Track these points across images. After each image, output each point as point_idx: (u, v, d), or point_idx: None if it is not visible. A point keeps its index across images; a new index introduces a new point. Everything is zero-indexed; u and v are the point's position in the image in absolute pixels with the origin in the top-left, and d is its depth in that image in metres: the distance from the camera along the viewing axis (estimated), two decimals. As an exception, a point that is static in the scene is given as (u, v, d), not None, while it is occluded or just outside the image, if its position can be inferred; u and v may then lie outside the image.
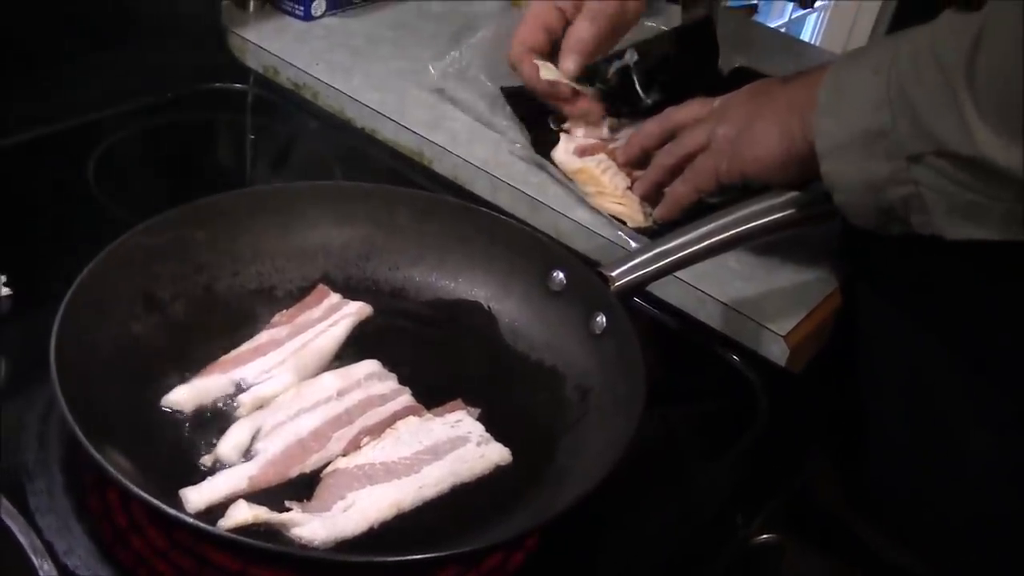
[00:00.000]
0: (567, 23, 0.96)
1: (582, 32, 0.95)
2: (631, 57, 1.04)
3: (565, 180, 0.95)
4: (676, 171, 0.87)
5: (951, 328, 0.77)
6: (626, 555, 0.67)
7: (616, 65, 1.04)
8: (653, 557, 0.68)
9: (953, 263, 0.73)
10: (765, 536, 0.75)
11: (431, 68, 1.06)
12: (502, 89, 1.02)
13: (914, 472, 0.82)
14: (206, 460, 0.63)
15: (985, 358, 0.76)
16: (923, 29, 0.67)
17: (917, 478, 0.82)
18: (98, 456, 0.55)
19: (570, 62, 0.96)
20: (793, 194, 0.79)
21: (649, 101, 1.04)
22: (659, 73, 1.06)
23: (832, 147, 0.71)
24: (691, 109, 0.89)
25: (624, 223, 0.91)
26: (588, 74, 1.02)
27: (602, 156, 0.95)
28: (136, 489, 0.54)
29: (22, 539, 0.48)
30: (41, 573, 0.47)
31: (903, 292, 0.81)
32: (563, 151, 0.97)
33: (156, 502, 0.53)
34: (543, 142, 0.99)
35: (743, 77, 1.14)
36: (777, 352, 0.82)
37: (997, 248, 0.66)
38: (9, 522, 0.48)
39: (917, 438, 0.81)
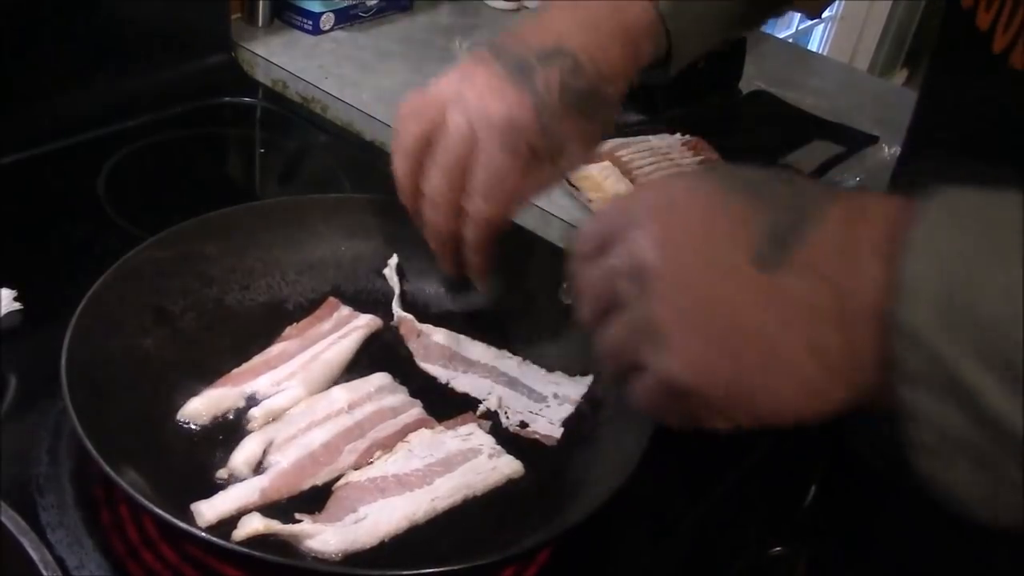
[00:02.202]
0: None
1: (500, 166, 0.64)
2: None
3: (570, 188, 0.95)
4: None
5: None
6: (639, 569, 0.67)
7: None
8: (666, 571, 0.68)
9: None
10: (778, 549, 0.75)
11: (457, 43, 1.06)
12: None
13: None
14: (221, 473, 0.63)
15: None
16: None
17: None
18: (109, 470, 0.55)
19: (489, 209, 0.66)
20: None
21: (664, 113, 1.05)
22: (683, 84, 1.07)
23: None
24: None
25: None
26: None
27: (606, 163, 0.96)
28: (147, 503, 0.54)
29: (33, 554, 0.48)
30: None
31: None
32: (569, 160, 0.97)
33: (168, 516, 0.53)
34: None
35: (758, 101, 1.15)
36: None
37: None
38: (20, 537, 0.48)
39: None
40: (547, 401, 0.72)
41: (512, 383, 0.74)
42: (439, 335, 0.77)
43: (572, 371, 0.74)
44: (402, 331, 0.77)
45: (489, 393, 0.72)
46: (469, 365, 0.75)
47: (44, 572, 0.47)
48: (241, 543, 0.56)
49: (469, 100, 0.64)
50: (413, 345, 0.76)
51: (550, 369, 0.75)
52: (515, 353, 0.76)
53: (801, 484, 0.78)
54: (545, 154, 0.66)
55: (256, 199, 0.97)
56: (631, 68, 0.68)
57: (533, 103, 0.64)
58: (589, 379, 0.73)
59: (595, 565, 0.66)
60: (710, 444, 0.77)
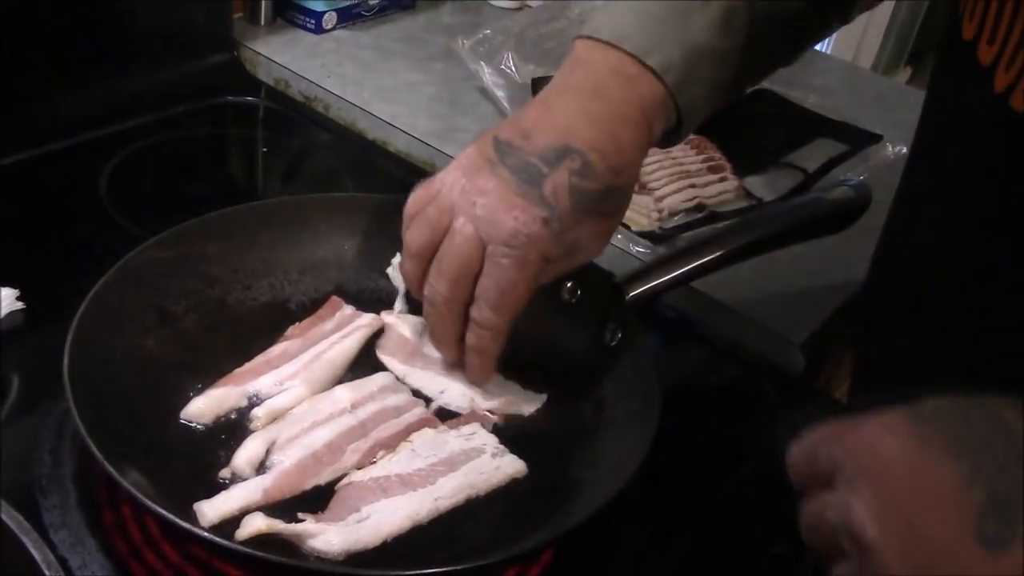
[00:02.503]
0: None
1: (511, 279, 0.65)
2: None
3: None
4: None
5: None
6: (641, 569, 0.67)
7: None
8: (668, 571, 0.67)
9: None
10: (781, 549, 0.74)
11: (460, 41, 1.06)
12: (533, 81, 1.01)
13: None
14: (224, 473, 0.62)
15: None
16: None
17: None
18: (112, 470, 0.55)
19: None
20: (808, 201, 0.78)
21: None
22: None
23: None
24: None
25: (628, 227, 0.91)
26: None
27: None
28: (150, 503, 0.54)
29: (36, 554, 0.47)
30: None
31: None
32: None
33: (170, 516, 0.53)
34: None
35: (761, 100, 1.15)
36: (794, 362, 0.81)
37: None
38: (23, 537, 0.48)
39: None
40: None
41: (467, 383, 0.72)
42: (407, 328, 0.75)
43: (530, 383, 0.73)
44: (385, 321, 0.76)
45: (442, 392, 0.72)
46: (428, 362, 0.74)
47: (47, 572, 0.47)
48: (244, 543, 0.56)
49: (477, 210, 0.63)
50: (381, 336, 0.76)
51: (517, 371, 0.73)
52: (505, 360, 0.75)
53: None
54: (557, 258, 0.65)
55: (258, 199, 0.97)
56: (643, 150, 0.66)
57: (544, 216, 0.62)
58: (543, 397, 0.72)
59: (597, 565, 0.66)
60: (713, 445, 0.78)
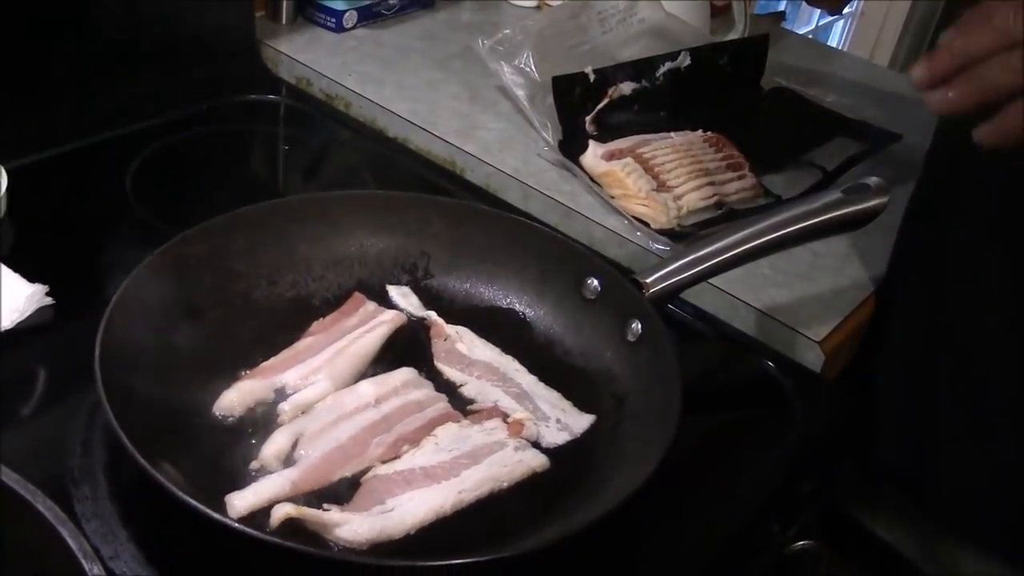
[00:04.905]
0: None
1: None
2: (683, 60, 1.05)
3: (590, 183, 0.96)
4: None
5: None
6: (663, 562, 0.67)
7: (667, 66, 1.05)
8: (690, 564, 0.68)
9: None
10: (802, 543, 0.75)
11: (480, 42, 1.07)
12: (553, 80, 1.02)
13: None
14: (253, 465, 0.63)
15: None
16: None
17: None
18: (144, 462, 0.56)
19: None
20: (828, 199, 0.79)
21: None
22: (705, 82, 1.07)
23: None
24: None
25: (647, 224, 0.91)
26: (640, 70, 1.02)
27: (628, 160, 0.96)
28: (181, 494, 0.55)
29: (72, 543, 0.48)
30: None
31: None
32: (591, 155, 0.98)
33: (202, 507, 0.54)
34: (571, 144, 0.99)
35: (780, 98, 1.15)
36: (812, 358, 0.82)
37: None
38: (59, 527, 0.49)
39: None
40: (548, 423, 0.71)
41: (520, 397, 0.73)
42: (461, 343, 0.77)
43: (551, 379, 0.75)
44: (432, 332, 0.77)
45: (496, 401, 0.73)
46: (484, 371, 0.75)
47: (83, 562, 0.48)
48: (273, 532, 0.57)
49: None
50: (436, 345, 0.77)
51: (559, 388, 0.74)
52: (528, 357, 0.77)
53: (824, 479, 0.79)
54: None
55: (280, 195, 0.98)
56: None
57: None
58: (592, 418, 0.72)
59: (618, 559, 0.66)
60: (733, 440, 0.78)
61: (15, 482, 0.51)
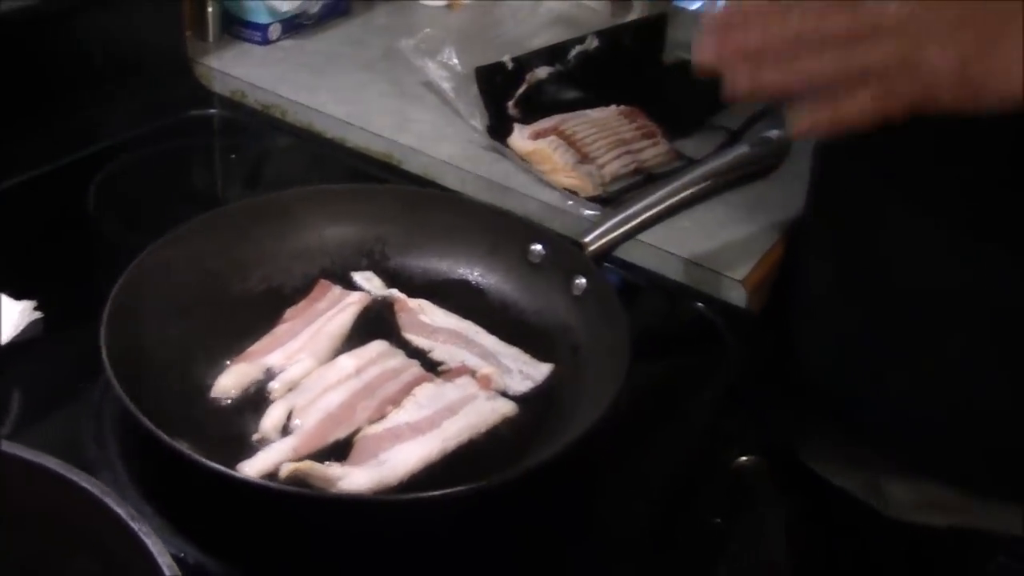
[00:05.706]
0: None
1: None
2: (592, 43, 1.14)
3: (520, 162, 1.04)
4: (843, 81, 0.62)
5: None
6: (623, 486, 0.76)
7: (577, 49, 1.13)
8: (647, 487, 0.77)
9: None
10: (746, 458, 0.84)
11: (403, 42, 1.14)
12: (476, 70, 1.09)
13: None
14: (255, 437, 0.71)
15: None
16: None
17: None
18: (165, 437, 0.62)
19: None
20: (735, 153, 0.88)
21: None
22: (614, 62, 1.16)
23: None
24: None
25: (576, 194, 1.00)
26: (554, 54, 1.10)
27: (552, 137, 1.05)
28: (204, 460, 0.62)
29: (119, 510, 0.54)
30: (142, 535, 0.53)
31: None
32: (518, 137, 1.06)
33: (224, 468, 0.62)
34: (499, 128, 1.08)
35: (682, 70, 1.24)
36: (736, 296, 0.92)
37: None
38: (105, 498, 0.54)
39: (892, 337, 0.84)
40: (512, 375, 0.79)
41: (484, 355, 0.81)
42: (424, 315, 0.84)
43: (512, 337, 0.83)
44: (396, 307, 0.85)
45: (463, 361, 0.80)
46: (448, 336, 0.83)
47: (131, 523, 0.52)
48: (287, 482, 0.65)
49: None
50: (402, 318, 0.84)
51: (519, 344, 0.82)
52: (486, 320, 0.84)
53: (760, 402, 0.88)
54: None
55: (236, 201, 1.04)
56: None
57: None
58: (550, 366, 0.80)
59: (584, 484, 0.74)
60: (676, 374, 0.87)
61: (58, 465, 0.56)
